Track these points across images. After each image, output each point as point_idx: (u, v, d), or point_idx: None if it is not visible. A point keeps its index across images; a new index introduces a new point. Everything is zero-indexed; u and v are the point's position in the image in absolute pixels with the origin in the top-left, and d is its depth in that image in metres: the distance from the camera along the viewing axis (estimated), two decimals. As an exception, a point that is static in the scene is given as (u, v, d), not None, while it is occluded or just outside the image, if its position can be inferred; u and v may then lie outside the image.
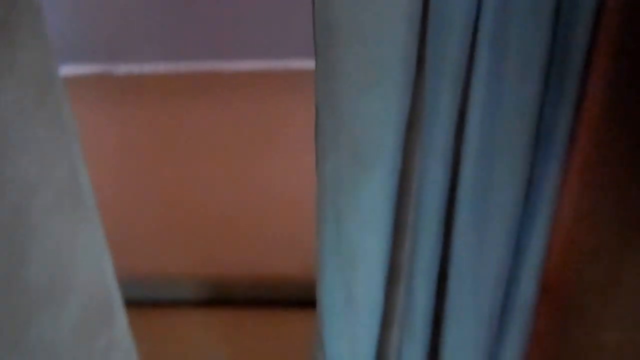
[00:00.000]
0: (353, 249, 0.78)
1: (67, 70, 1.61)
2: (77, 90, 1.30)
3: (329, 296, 0.84)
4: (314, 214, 0.87)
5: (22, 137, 0.66)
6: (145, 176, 1.74)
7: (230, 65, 1.72)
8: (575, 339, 0.84)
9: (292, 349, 1.48)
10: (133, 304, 1.15)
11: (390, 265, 0.81)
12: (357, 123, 0.66)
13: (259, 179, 1.72)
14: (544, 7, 0.58)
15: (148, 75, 1.77)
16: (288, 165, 1.70)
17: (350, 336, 0.85)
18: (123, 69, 1.76)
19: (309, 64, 1.71)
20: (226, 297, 1.62)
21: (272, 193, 1.69)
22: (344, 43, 0.60)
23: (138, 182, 1.71)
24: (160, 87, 1.77)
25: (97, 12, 1.71)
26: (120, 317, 1.06)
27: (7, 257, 0.68)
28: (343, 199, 0.74)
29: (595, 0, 0.59)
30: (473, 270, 0.76)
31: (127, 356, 1.09)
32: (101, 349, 0.98)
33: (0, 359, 0.70)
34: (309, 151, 1.14)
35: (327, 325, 0.86)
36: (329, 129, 0.68)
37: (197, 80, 1.76)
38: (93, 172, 0.95)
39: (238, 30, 1.88)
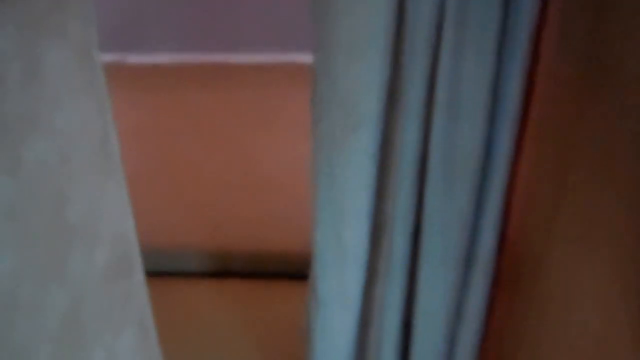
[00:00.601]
0: (343, 198, 0.92)
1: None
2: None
3: (322, 244, 0.97)
4: (308, 195, 1.00)
5: (67, 92, 0.80)
6: (155, 158, 1.87)
7: (235, 57, 1.86)
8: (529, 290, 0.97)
9: (286, 316, 1.60)
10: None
11: (375, 214, 0.95)
12: (348, 88, 0.80)
13: (260, 162, 1.85)
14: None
15: (158, 65, 1.90)
16: (286, 149, 1.83)
17: (339, 277, 0.99)
18: (134, 58, 1.89)
19: (306, 58, 1.85)
20: (229, 269, 1.75)
21: (272, 175, 1.82)
22: (335, 20, 0.74)
23: (147, 163, 1.84)
24: (168, 76, 1.90)
25: (110, 5, 1.85)
26: (138, 271, 1.18)
27: (55, 197, 0.81)
28: (335, 155, 0.88)
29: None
30: (442, 218, 0.89)
31: (143, 307, 1.22)
32: (123, 295, 1.10)
33: (48, 288, 0.83)
34: (305, 136, 1.29)
35: (319, 267, 0.99)
36: (324, 94, 0.82)
37: (203, 71, 1.89)
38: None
39: (242, 26, 2.03)
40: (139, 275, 1.20)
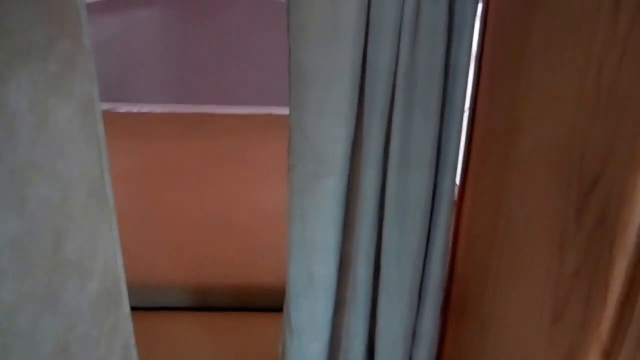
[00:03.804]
0: (314, 239, 0.98)
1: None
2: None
3: (295, 278, 1.03)
4: (278, 237, 1.06)
5: (70, 141, 0.85)
6: (141, 198, 1.90)
7: (215, 109, 1.95)
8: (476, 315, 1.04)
9: (260, 345, 1.62)
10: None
11: (341, 253, 1.02)
12: (318, 142, 0.89)
13: (236, 205, 1.90)
14: (437, 63, 0.83)
15: (146, 114, 1.97)
16: (260, 195, 1.89)
17: (311, 309, 1.04)
18: (125, 108, 1.96)
19: (281, 110, 1.94)
20: (210, 304, 1.77)
21: (248, 218, 1.87)
22: (309, 86, 0.83)
23: (134, 203, 1.87)
24: (155, 124, 1.96)
25: (103, 60, 1.92)
26: (125, 303, 1.21)
27: (54, 234, 0.85)
28: (306, 200, 0.95)
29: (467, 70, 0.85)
30: (397, 254, 0.97)
31: (128, 338, 1.24)
32: (109, 326, 1.12)
33: (43, 316, 0.86)
34: (275, 182, 1.34)
35: (293, 301, 1.04)
36: (298, 147, 0.90)
37: (187, 120, 1.96)
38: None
39: (225, 81, 2.12)
40: (126, 308, 1.22)
